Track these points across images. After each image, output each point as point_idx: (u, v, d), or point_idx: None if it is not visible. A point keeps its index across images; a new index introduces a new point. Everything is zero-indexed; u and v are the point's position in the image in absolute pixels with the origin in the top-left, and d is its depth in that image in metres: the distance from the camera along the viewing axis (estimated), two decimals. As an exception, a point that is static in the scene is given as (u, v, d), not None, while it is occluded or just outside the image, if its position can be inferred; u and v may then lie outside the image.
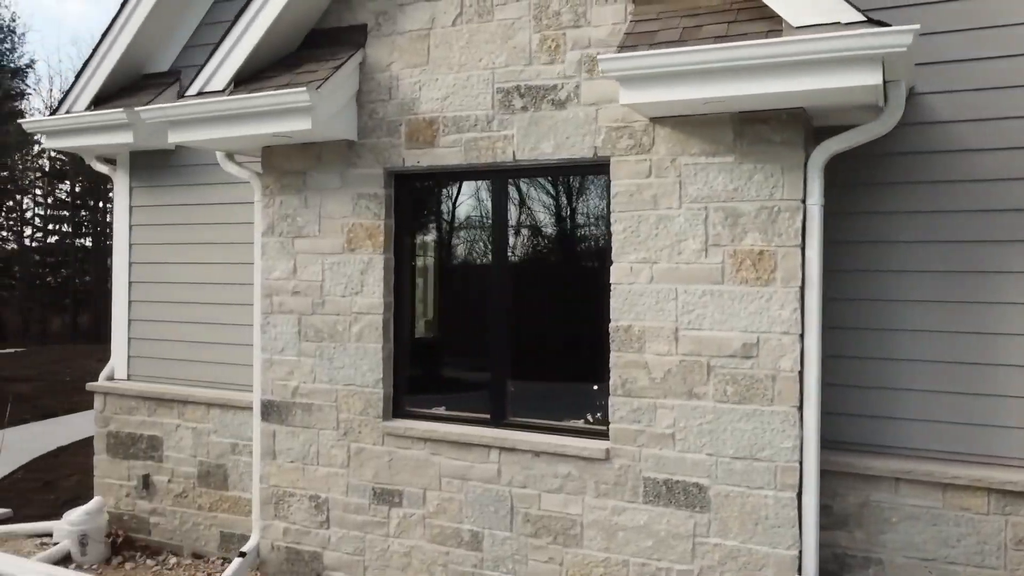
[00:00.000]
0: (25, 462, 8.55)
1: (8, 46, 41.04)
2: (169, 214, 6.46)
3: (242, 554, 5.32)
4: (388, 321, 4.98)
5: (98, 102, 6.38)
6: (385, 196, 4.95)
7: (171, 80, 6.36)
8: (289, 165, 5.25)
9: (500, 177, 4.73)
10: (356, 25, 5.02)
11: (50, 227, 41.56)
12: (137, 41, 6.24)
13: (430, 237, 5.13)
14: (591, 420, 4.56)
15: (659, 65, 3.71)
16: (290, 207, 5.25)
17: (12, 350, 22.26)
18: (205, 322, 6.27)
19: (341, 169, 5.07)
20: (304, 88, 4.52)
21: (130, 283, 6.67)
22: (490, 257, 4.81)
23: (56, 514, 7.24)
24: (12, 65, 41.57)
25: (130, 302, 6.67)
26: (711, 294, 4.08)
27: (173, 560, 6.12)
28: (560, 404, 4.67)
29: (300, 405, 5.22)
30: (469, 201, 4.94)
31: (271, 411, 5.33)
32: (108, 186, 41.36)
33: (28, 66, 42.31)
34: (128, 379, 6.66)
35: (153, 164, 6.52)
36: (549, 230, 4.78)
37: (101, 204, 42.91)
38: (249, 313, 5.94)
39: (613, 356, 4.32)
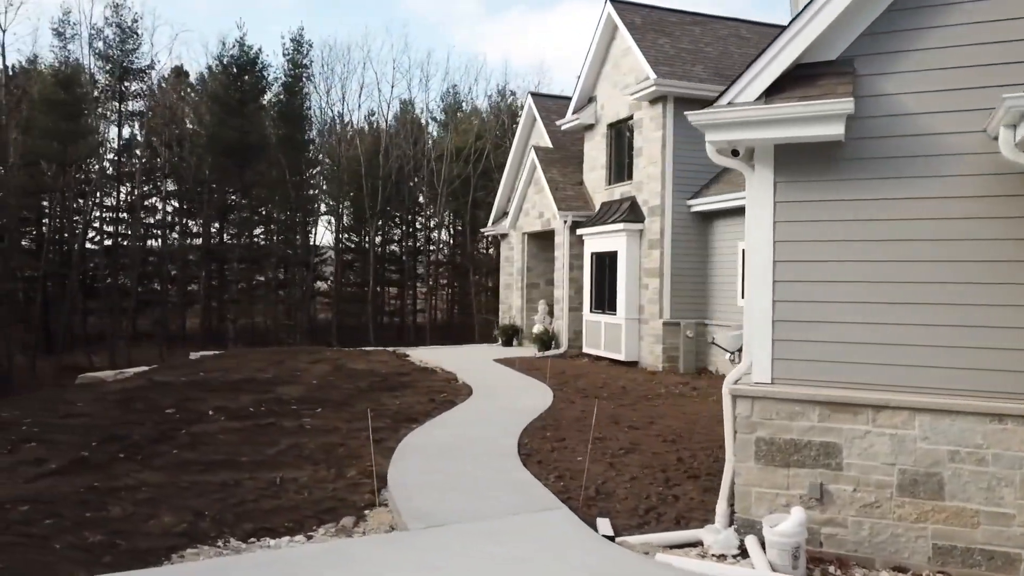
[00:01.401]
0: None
1: (132, 46, 41.27)
2: (835, 210, 6.16)
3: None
4: None
5: (768, 94, 6.12)
6: None
7: (846, 70, 6.07)
8: (1123, 157, 4.96)
9: None
10: None
11: (109, 229, 41.89)
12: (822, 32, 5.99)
13: None
14: None
15: None
16: None
17: (213, 352, 22.14)
18: (892, 324, 5.97)
19: None
20: None
21: (774, 283, 6.37)
22: None
23: (647, 523, 6.96)
24: (134, 66, 41.83)
25: (774, 303, 6.38)
26: None
27: (882, 575, 5.82)
28: None
29: None
30: None
31: (1097, 418, 5.02)
32: (210, 189, 41.36)
33: (149, 67, 42.46)
34: (772, 383, 6.37)
35: (808, 159, 6.22)
36: None
37: (161, 206, 43.07)
38: (965, 313, 5.67)
39: None
